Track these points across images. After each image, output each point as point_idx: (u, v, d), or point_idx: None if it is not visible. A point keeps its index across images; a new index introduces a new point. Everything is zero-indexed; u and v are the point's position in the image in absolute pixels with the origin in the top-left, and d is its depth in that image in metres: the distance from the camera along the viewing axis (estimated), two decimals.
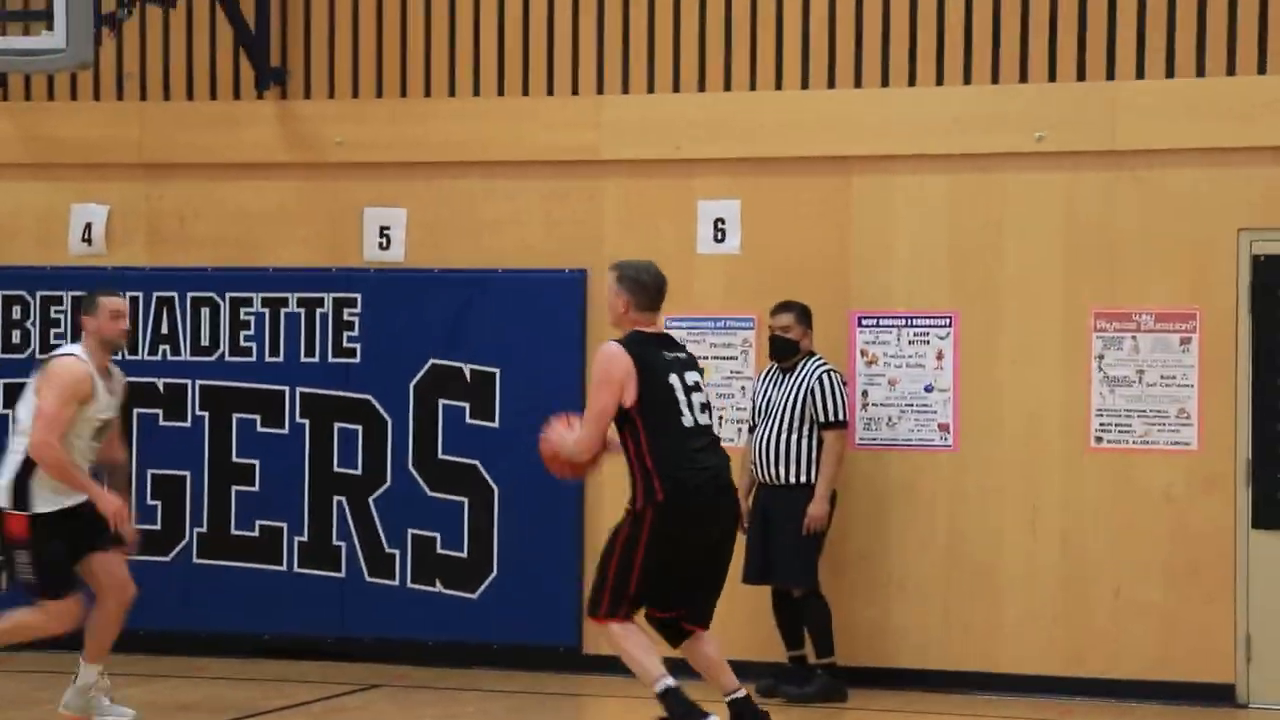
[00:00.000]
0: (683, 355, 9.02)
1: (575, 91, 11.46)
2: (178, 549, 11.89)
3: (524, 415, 11.35)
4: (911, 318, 10.94)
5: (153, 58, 12.06)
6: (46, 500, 9.28)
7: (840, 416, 10.65)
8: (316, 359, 11.69)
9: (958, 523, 10.88)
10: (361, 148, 11.69)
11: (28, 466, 9.30)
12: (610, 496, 11.29)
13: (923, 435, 10.89)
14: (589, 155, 11.36)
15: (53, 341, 11.98)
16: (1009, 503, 10.82)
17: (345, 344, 11.71)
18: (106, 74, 12.04)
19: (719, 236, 11.23)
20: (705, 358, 11.03)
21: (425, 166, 11.61)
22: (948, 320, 10.90)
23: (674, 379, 8.80)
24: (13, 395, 11.66)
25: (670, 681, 8.60)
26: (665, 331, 9.20)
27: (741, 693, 8.83)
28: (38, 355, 11.91)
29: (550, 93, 11.52)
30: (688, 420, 8.78)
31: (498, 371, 11.46)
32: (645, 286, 8.95)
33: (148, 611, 11.17)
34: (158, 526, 11.85)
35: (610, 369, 8.71)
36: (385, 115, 11.70)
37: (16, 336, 12.11)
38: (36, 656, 10.76)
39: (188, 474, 11.86)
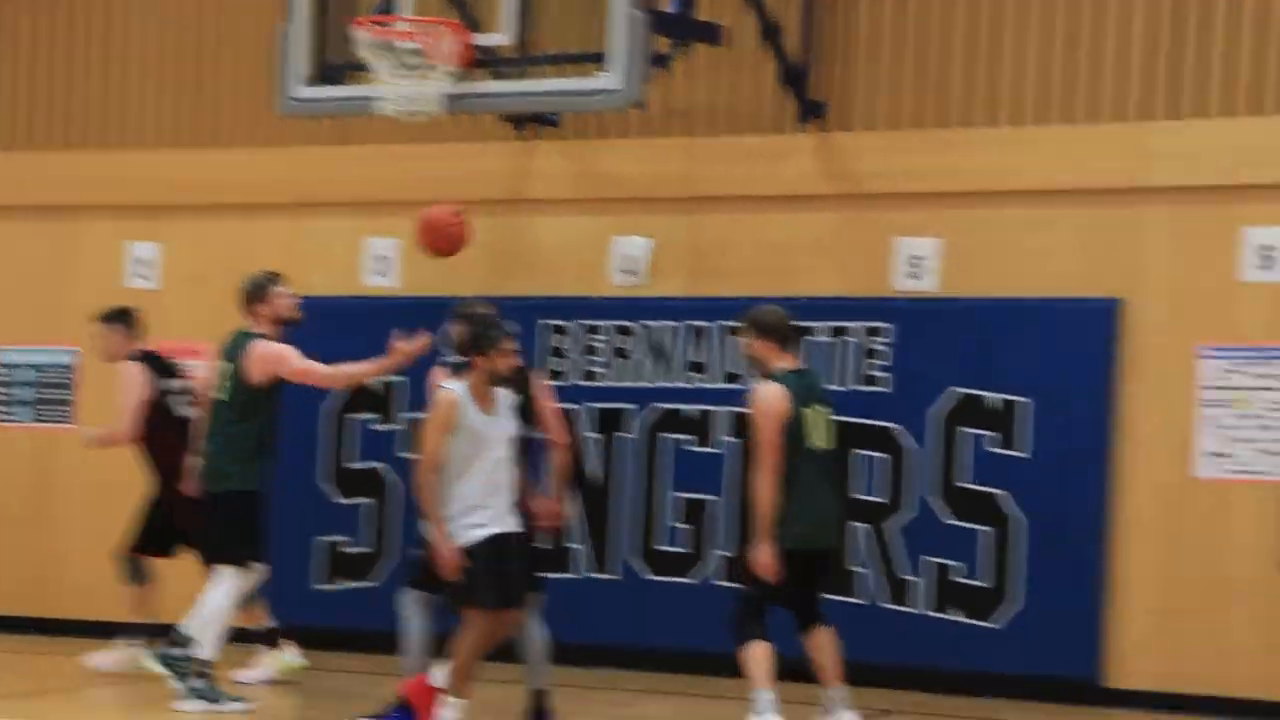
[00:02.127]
0: None
1: (1119, 118, 11.28)
2: (701, 571, 12.00)
3: (1052, 446, 11.15)
4: None
5: (698, 94, 12.41)
6: None
7: None
8: (844, 387, 11.71)
9: None
10: (898, 178, 11.76)
11: None
12: (1146, 521, 10.99)
13: None
14: (1130, 183, 11.15)
15: (589, 369, 12.36)
16: None
17: (872, 372, 11.70)
18: (654, 111, 12.42)
19: (1265, 264, 10.83)
20: (1245, 388, 10.64)
21: (960, 196, 11.59)
22: None
23: None
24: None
25: None
26: None
27: None
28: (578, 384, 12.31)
29: (1094, 120, 11.36)
30: None
31: (1028, 401, 11.26)
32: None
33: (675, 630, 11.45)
34: (685, 549, 12.01)
35: None
36: (923, 146, 11.75)
37: (558, 365, 12.49)
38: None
39: (714, 499, 11.99)
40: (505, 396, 9.39)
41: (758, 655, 9.43)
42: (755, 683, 9.44)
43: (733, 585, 11.76)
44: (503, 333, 9.36)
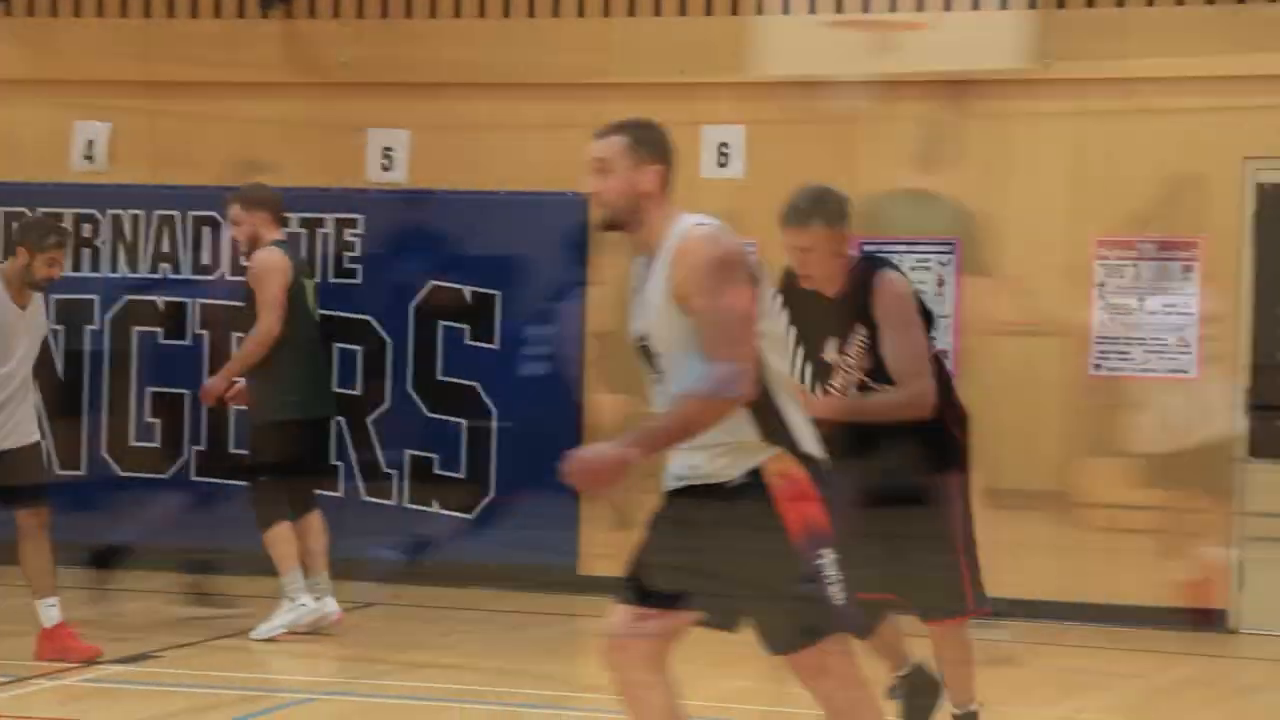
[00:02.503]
0: None
1: (582, 13, 11.46)
2: (175, 467, 11.89)
3: (523, 338, 11.40)
4: (914, 244, 10.95)
5: None
6: None
7: None
8: (318, 279, 11.66)
9: None
10: (366, 68, 11.69)
11: None
12: (614, 411, 11.34)
13: None
14: (595, 78, 11.35)
15: None
16: (1006, 429, 10.83)
17: (346, 265, 11.71)
18: None
19: (723, 162, 11.23)
20: None
21: (430, 87, 11.61)
22: (949, 247, 10.92)
23: None
24: None
25: None
26: None
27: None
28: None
29: (556, 14, 11.51)
30: None
31: (498, 294, 11.47)
32: None
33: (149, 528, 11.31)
34: (156, 444, 11.87)
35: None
36: (390, 36, 11.69)
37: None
38: None
39: (187, 392, 11.85)
40: (39, 300, 9.11)
41: (282, 537, 9.53)
42: (284, 565, 9.52)
43: (208, 480, 11.78)
44: (60, 242, 9.07)
